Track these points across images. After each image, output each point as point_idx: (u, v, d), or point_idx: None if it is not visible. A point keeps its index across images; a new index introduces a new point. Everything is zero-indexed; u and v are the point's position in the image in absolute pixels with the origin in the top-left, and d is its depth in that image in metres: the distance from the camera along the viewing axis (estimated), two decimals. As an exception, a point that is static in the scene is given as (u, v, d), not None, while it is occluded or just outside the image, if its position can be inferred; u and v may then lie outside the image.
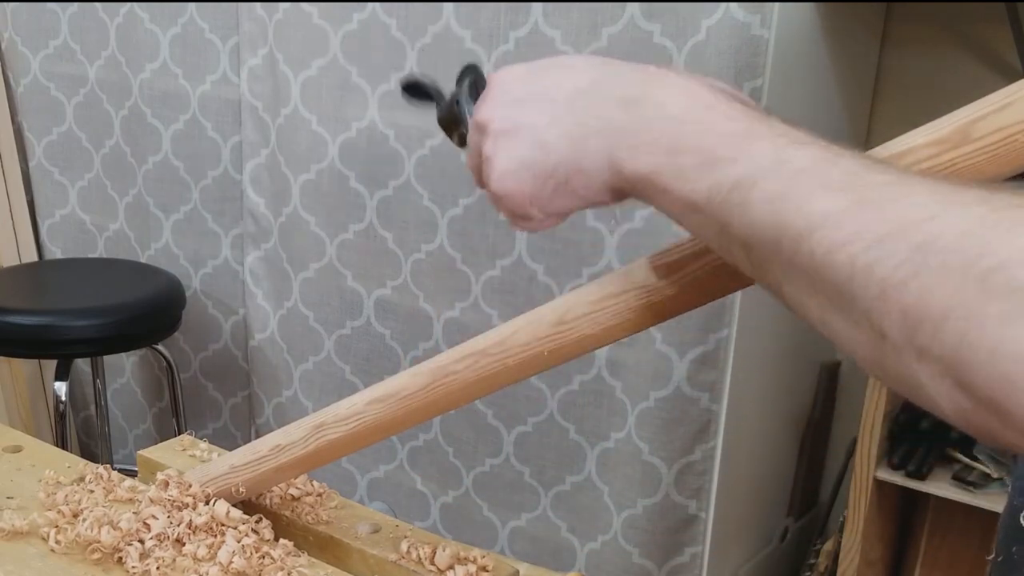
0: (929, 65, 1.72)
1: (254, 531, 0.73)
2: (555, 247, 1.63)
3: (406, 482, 1.96)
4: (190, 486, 0.76)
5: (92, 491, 0.79)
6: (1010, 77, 0.51)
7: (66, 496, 0.78)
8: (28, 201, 2.33)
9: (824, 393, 1.93)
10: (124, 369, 2.37)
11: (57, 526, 0.73)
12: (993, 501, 1.51)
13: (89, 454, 2.34)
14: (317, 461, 0.73)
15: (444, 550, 0.72)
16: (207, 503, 0.75)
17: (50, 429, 2.30)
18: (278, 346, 2.04)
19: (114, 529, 0.71)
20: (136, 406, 2.39)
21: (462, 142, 0.64)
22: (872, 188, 0.40)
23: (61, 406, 1.93)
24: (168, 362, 2.06)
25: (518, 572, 0.73)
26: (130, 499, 0.78)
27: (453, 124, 0.65)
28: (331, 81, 1.80)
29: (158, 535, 0.71)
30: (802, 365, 1.88)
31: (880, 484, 1.60)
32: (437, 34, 1.67)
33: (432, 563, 0.71)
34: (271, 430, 0.78)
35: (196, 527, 0.72)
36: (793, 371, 1.84)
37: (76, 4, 2.12)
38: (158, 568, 0.68)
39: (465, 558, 0.72)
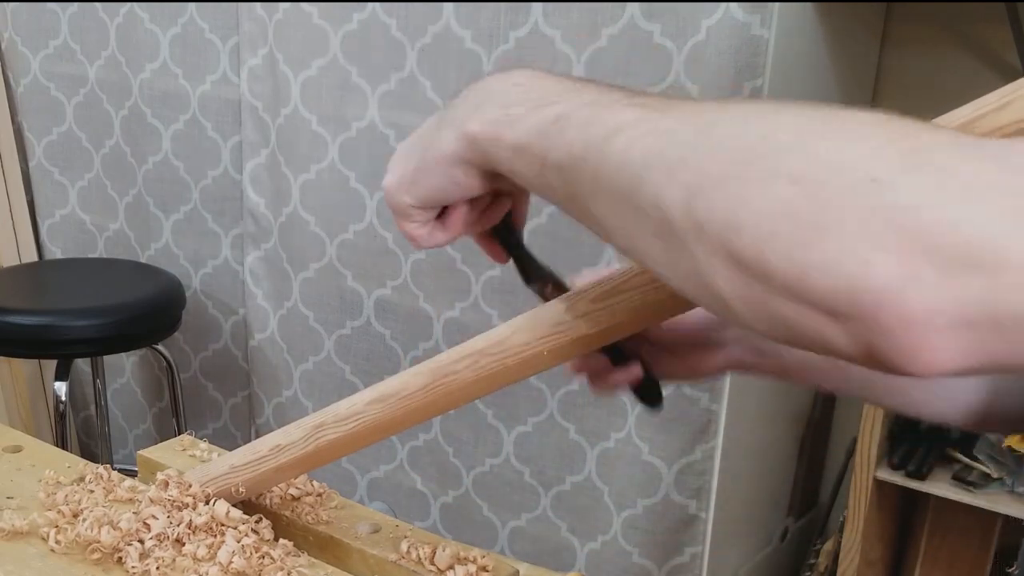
0: (929, 65, 1.72)
1: (254, 531, 0.73)
2: (555, 247, 1.63)
3: (406, 482, 1.96)
4: (190, 486, 0.76)
5: (92, 491, 0.79)
6: (1010, 77, 0.51)
7: (66, 496, 0.78)
8: (28, 201, 2.33)
9: (824, 393, 1.93)
10: (124, 369, 2.38)
11: (57, 526, 0.73)
12: (993, 501, 1.51)
13: (89, 454, 2.34)
14: (317, 461, 0.73)
15: (444, 550, 0.72)
16: (207, 503, 0.75)
17: (50, 429, 2.30)
18: (278, 346, 2.04)
19: (114, 529, 0.70)
20: (136, 406, 2.39)
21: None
22: (663, 103, 0.47)
23: (61, 406, 1.93)
24: (168, 362, 2.06)
25: (518, 572, 0.73)
26: (130, 499, 0.78)
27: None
28: (331, 81, 1.80)
29: (158, 535, 0.71)
30: (802, 365, 1.87)
31: (880, 484, 1.60)
32: (437, 34, 1.67)
33: (432, 563, 0.71)
34: (271, 430, 0.78)
35: (196, 527, 0.72)
36: (793, 371, 1.84)
37: (76, 4, 2.13)
38: (158, 568, 0.68)
39: (465, 558, 0.72)
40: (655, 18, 1.48)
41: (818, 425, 1.94)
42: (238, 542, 0.71)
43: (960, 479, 1.56)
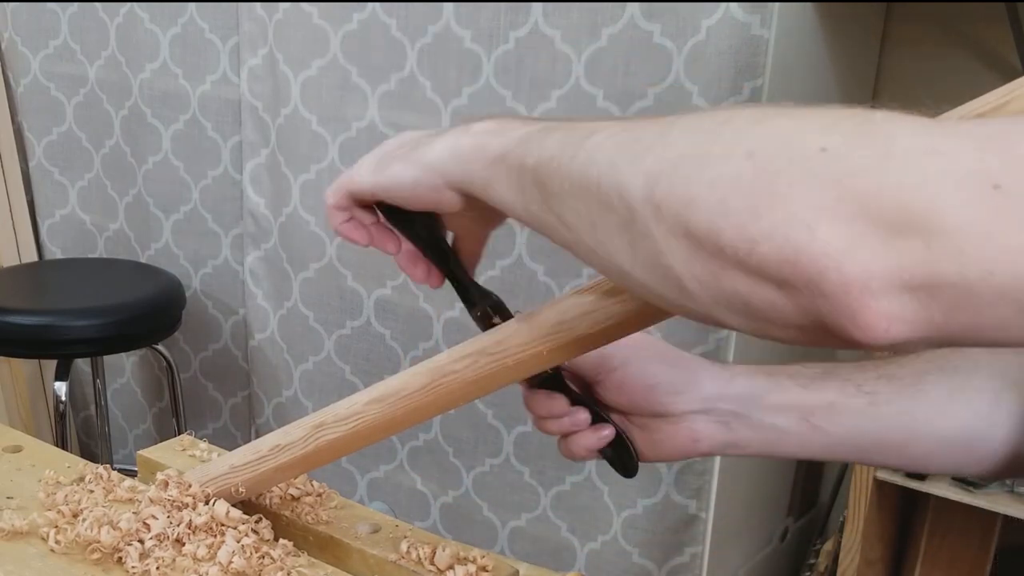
0: (929, 65, 1.72)
1: (254, 531, 0.73)
2: (555, 247, 1.63)
3: (406, 482, 1.96)
4: (190, 486, 0.76)
5: (92, 491, 0.79)
6: (1010, 77, 0.51)
7: (66, 496, 0.78)
8: (28, 201, 2.33)
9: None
10: (124, 369, 2.37)
11: (57, 526, 0.73)
12: (993, 501, 1.51)
13: (89, 454, 2.34)
14: (317, 461, 0.73)
15: (444, 550, 0.72)
16: (207, 503, 0.75)
17: (50, 429, 2.30)
18: (278, 346, 2.04)
19: (114, 529, 0.71)
20: (136, 406, 2.39)
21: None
22: (635, 123, 0.48)
23: (61, 406, 1.93)
24: (168, 362, 2.06)
25: (518, 572, 0.73)
26: (130, 499, 0.78)
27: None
28: (331, 81, 1.80)
29: (158, 535, 0.71)
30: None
31: (880, 484, 1.60)
32: (437, 34, 1.67)
33: (432, 563, 0.71)
34: (271, 430, 0.78)
35: (196, 527, 0.72)
36: (793, 371, 1.84)
37: (76, 4, 2.13)
38: (158, 568, 0.68)
39: (465, 558, 0.72)
40: (655, 18, 1.48)
41: (818, 425, 1.94)
42: (238, 542, 0.71)
43: (960, 479, 1.56)
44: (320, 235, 1.90)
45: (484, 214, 0.62)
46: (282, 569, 0.69)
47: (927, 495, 1.60)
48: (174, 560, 0.69)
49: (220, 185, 2.06)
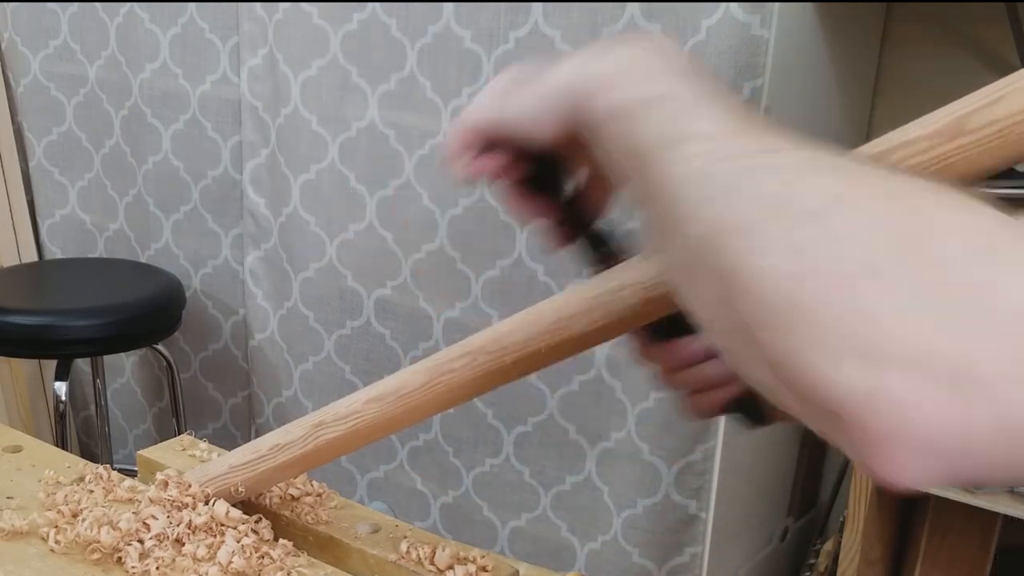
0: (929, 65, 1.72)
1: (254, 531, 0.73)
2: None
3: (406, 482, 1.96)
4: (190, 486, 0.76)
5: (92, 491, 0.79)
6: (1010, 77, 0.52)
7: (66, 496, 0.78)
8: (28, 201, 2.33)
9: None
10: (124, 369, 2.38)
11: (57, 526, 0.73)
12: (993, 501, 1.51)
13: (89, 454, 2.34)
14: (316, 460, 0.73)
15: (444, 550, 0.72)
16: (207, 503, 0.75)
17: (50, 429, 2.30)
18: (278, 346, 2.04)
19: (114, 529, 0.71)
20: (136, 406, 2.39)
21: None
22: (754, 127, 0.42)
23: (61, 406, 1.93)
24: (168, 362, 2.06)
25: (518, 572, 0.73)
26: (130, 499, 0.78)
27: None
28: (331, 81, 1.80)
29: (158, 535, 0.71)
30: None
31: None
32: (437, 34, 1.67)
33: (432, 563, 0.71)
34: (271, 430, 0.78)
35: (196, 527, 0.72)
36: (793, 371, 1.84)
37: (76, 4, 2.13)
38: (158, 568, 0.68)
39: (465, 558, 0.72)
40: (655, 18, 1.48)
41: (818, 425, 1.94)
42: (238, 542, 0.71)
43: (960, 479, 1.56)
44: (320, 235, 1.90)
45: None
46: (282, 569, 0.69)
47: (927, 495, 1.61)
48: (174, 560, 0.69)
49: (220, 185, 2.06)
